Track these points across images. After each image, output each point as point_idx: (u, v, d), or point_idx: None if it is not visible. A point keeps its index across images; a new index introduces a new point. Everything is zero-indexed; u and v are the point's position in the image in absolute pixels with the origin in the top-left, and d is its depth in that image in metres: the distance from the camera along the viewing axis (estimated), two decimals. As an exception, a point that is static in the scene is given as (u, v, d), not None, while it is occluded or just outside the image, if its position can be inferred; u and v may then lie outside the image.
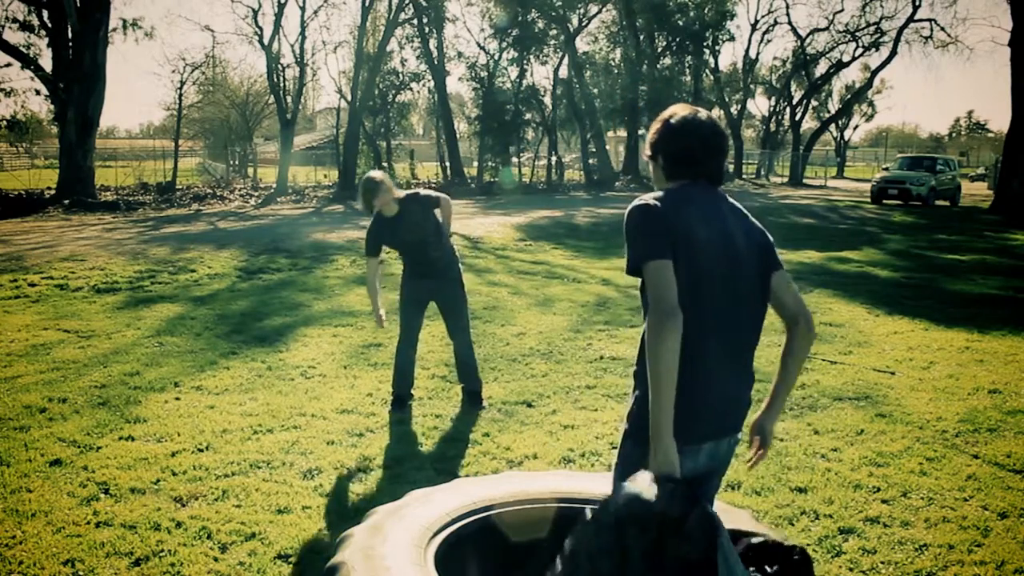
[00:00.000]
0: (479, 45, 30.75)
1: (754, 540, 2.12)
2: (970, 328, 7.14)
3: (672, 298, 1.91)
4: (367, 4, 25.77)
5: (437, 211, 4.76)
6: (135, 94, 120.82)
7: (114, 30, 22.88)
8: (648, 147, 2.18)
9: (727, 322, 2.04)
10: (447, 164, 30.42)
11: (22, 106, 23.46)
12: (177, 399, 4.93)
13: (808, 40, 41.29)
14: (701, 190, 2.09)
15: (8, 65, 22.49)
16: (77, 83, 20.47)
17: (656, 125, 2.17)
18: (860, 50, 39.81)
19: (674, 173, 2.11)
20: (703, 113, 2.14)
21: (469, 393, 4.93)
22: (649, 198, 2.03)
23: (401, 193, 4.72)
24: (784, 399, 2.23)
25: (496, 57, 30.29)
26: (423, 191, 4.82)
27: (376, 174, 4.67)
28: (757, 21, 43.66)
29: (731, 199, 2.16)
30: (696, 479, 2.12)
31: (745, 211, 2.16)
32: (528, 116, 31.28)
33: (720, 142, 2.13)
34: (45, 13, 22.16)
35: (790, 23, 60.67)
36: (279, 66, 26.25)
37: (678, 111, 2.14)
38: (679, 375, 1.94)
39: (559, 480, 2.80)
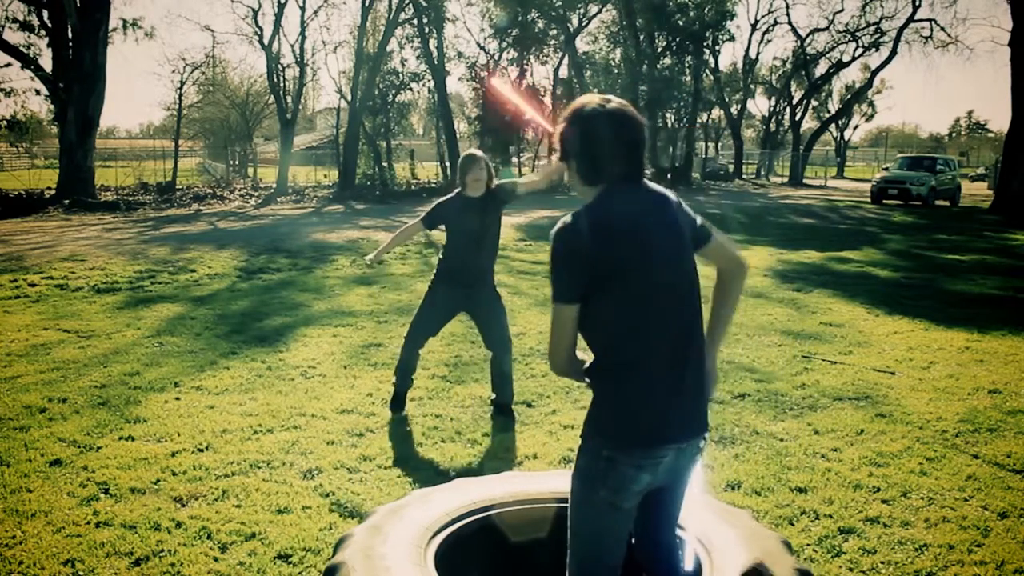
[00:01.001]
0: (479, 45, 30.79)
1: None
2: (970, 328, 7.14)
3: (563, 352, 1.97)
4: (367, 4, 25.80)
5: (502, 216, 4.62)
6: (135, 94, 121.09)
7: (114, 30, 22.93)
8: (559, 149, 1.98)
9: (673, 327, 1.95)
10: (447, 164, 30.43)
11: (22, 106, 23.55)
12: (177, 399, 4.93)
13: (808, 40, 41.35)
14: (624, 193, 1.94)
15: (8, 65, 22.56)
16: (77, 83, 20.48)
17: (563, 124, 1.95)
18: (860, 50, 39.88)
19: (591, 177, 1.95)
20: (614, 102, 1.93)
21: (500, 405, 4.69)
22: (571, 223, 1.89)
23: (494, 183, 4.55)
24: (723, 336, 2.15)
25: (496, 57, 30.30)
26: (504, 182, 4.65)
27: (479, 151, 4.60)
28: (757, 21, 43.77)
29: (654, 187, 2.00)
30: (657, 490, 2.06)
31: (669, 197, 2.01)
32: (528, 116, 31.24)
33: (636, 134, 1.93)
34: (45, 13, 22.19)
35: (790, 23, 60.81)
36: (279, 66, 26.30)
37: (587, 103, 1.94)
38: (631, 388, 1.93)
39: (559, 480, 2.80)
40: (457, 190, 4.56)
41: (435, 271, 4.65)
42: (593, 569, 2.03)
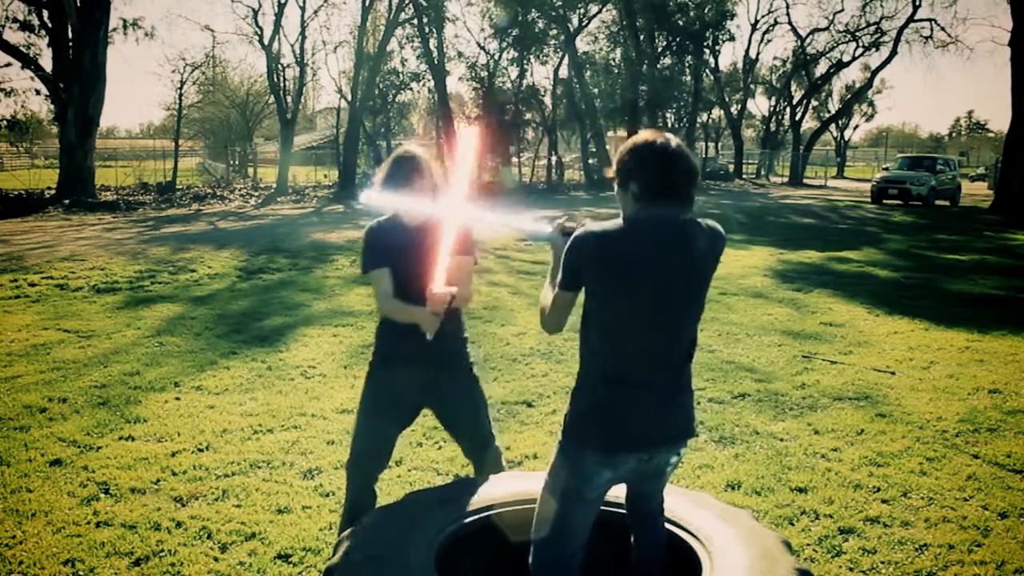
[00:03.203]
0: (479, 45, 30.82)
1: None
2: (970, 328, 7.14)
3: (557, 320, 2.18)
4: (367, 4, 25.80)
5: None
6: (135, 94, 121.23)
7: (114, 30, 22.93)
8: (616, 174, 2.11)
9: (656, 346, 2.10)
10: (447, 164, 30.42)
11: (22, 106, 23.52)
12: (177, 399, 4.93)
13: (808, 40, 41.35)
14: (660, 217, 2.05)
15: (8, 65, 22.55)
16: (77, 83, 20.48)
17: (626, 154, 2.10)
18: (860, 50, 39.88)
19: (646, 201, 2.05)
20: (674, 140, 2.08)
21: None
22: (592, 230, 2.05)
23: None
24: None
25: (496, 57, 30.33)
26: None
27: (414, 148, 2.86)
28: (757, 21, 43.75)
29: (689, 220, 2.09)
30: (634, 488, 2.28)
31: (701, 229, 2.09)
32: (528, 116, 31.33)
33: (692, 169, 2.08)
34: (45, 13, 22.19)
35: (790, 23, 60.81)
36: (279, 66, 26.31)
37: (651, 138, 2.09)
38: (601, 398, 2.09)
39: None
40: (386, 214, 2.85)
41: (376, 349, 2.90)
42: (553, 558, 2.19)
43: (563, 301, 2.16)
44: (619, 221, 2.08)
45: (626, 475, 2.18)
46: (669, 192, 2.06)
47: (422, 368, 2.79)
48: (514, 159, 31.48)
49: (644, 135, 2.13)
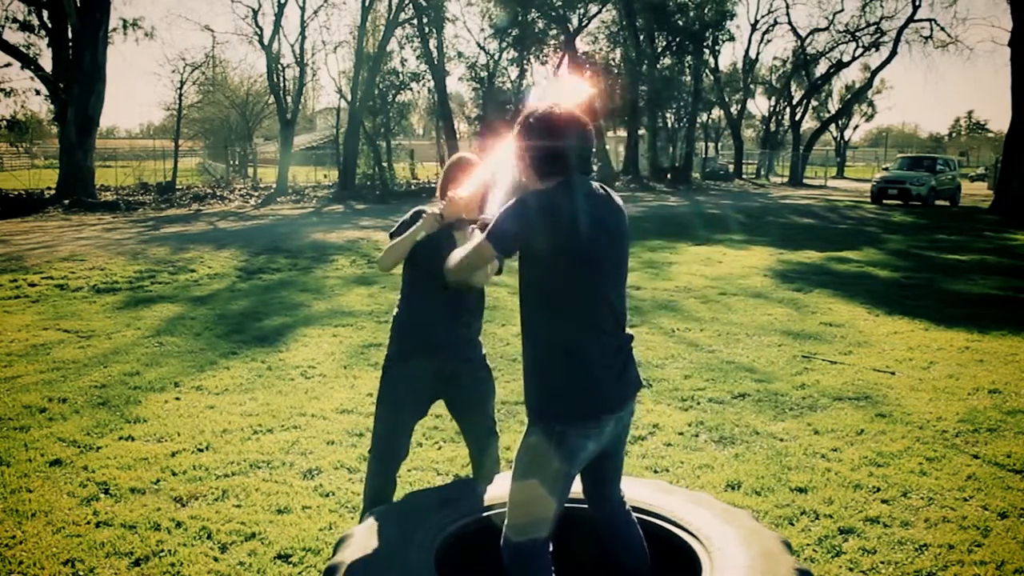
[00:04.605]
0: (479, 45, 30.82)
1: None
2: (970, 328, 7.14)
3: (463, 273, 2.22)
4: (367, 4, 25.79)
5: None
6: (135, 94, 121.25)
7: (114, 30, 22.95)
8: (516, 150, 2.20)
9: (610, 308, 2.17)
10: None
11: (22, 106, 23.56)
12: (177, 399, 4.93)
13: (808, 40, 41.33)
14: (576, 183, 2.14)
15: (8, 65, 22.60)
16: (77, 83, 20.49)
17: (518, 128, 2.18)
18: (860, 50, 39.85)
19: (545, 173, 2.14)
20: (561, 107, 2.15)
21: None
22: (541, 193, 2.11)
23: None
24: None
25: (496, 57, 30.33)
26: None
27: (473, 155, 3.02)
28: (757, 21, 43.73)
29: (602, 188, 2.23)
30: (601, 455, 2.27)
31: (615, 200, 2.23)
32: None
33: (582, 131, 2.14)
34: (45, 13, 22.21)
35: (790, 23, 60.78)
36: (279, 66, 26.32)
37: (538, 109, 2.16)
38: (574, 360, 2.12)
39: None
40: (432, 208, 2.78)
41: (393, 342, 3.03)
42: (531, 544, 2.18)
43: (487, 256, 2.14)
44: (546, 190, 2.13)
45: (605, 440, 2.21)
46: (563, 160, 2.13)
47: (441, 359, 2.92)
48: (514, 159, 31.50)
49: (533, 107, 2.18)
